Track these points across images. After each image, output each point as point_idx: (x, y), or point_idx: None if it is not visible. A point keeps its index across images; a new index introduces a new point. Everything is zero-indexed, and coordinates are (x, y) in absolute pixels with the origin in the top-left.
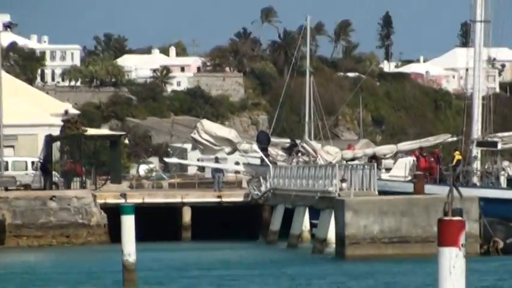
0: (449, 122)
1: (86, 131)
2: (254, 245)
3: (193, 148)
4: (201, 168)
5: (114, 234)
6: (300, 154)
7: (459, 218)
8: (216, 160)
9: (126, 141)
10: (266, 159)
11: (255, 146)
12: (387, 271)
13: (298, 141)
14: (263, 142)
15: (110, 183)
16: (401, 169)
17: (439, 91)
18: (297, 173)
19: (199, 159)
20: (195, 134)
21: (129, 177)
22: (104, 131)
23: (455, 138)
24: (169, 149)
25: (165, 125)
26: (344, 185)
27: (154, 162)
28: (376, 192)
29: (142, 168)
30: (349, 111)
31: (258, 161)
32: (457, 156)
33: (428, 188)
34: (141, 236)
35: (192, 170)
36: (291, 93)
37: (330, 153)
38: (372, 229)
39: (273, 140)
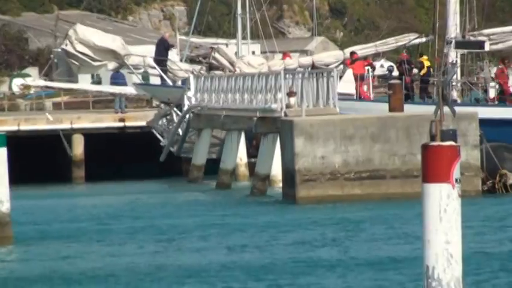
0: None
1: None
2: (171, 185)
3: (66, 65)
4: (96, 80)
5: None
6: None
7: (452, 143)
8: (116, 71)
9: None
10: (165, 77)
11: (149, 59)
12: (353, 218)
13: (222, 45)
14: (160, 53)
15: None
16: (351, 83)
17: None
18: (227, 86)
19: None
20: (66, 45)
21: None
22: None
23: (424, 39)
24: (52, 56)
25: (47, 22)
26: (293, 100)
27: (33, 74)
28: (338, 110)
29: (17, 83)
30: None
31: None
32: (426, 62)
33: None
34: (17, 176)
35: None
36: None
37: (251, 65)
38: (332, 160)
39: (194, 40)
